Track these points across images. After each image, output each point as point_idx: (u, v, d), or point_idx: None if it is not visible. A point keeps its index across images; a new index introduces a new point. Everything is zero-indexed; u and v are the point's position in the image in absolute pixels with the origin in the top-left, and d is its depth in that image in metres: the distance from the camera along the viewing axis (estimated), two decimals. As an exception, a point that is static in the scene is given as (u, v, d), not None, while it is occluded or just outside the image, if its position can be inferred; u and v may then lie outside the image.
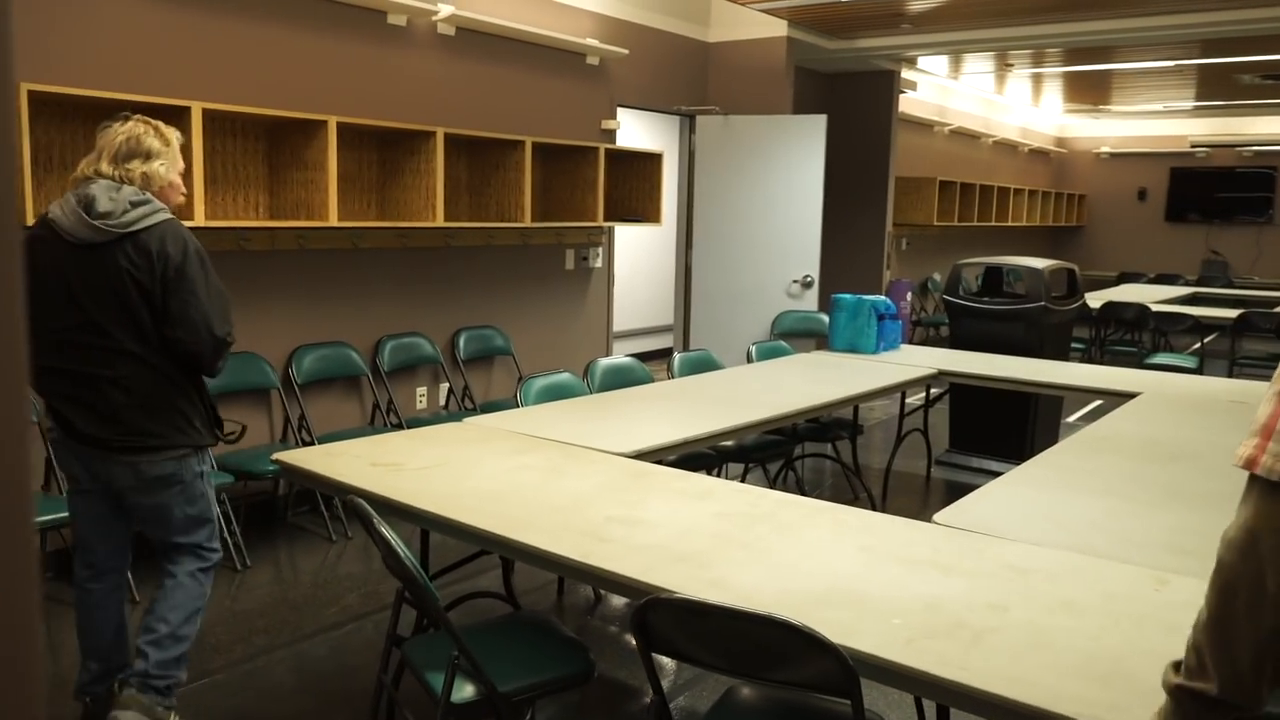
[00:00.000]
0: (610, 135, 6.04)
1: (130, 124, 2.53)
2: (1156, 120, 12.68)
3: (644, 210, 5.92)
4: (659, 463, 3.05)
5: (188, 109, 3.63)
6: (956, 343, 5.66)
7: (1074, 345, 8.23)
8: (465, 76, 5.14)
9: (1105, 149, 13.20)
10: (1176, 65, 8.38)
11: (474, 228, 5.12)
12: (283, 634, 3.33)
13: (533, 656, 2.22)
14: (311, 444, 4.34)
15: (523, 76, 5.46)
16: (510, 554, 2.28)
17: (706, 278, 6.79)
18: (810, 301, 6.58)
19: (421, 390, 5.16)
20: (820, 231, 6.51)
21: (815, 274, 6.57)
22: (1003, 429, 5.54)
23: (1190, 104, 11.27)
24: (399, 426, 4.69)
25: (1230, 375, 7.74)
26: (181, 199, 2.67)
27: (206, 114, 3.73)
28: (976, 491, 2.56)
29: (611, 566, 1.99)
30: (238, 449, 4.17)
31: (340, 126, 4.18)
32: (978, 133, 10.86)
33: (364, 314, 4.81)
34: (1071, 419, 6.87)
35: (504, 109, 5.36)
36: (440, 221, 4.56)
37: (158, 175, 2.53)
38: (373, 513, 2.08)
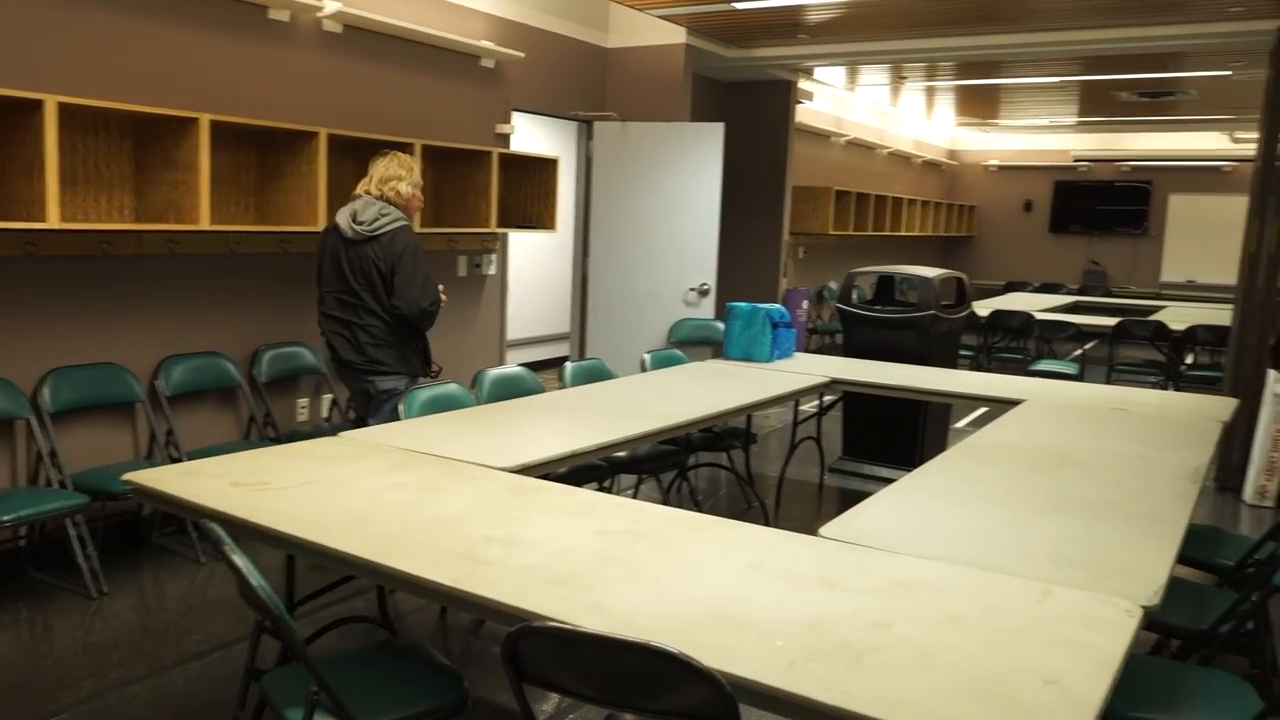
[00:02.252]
0: (505, 140, 5.92)
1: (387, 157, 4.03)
2: (1042, 135, 13.12)
3: (539, 216, 5.80)
4: (546, 477, 2.95)
5: (40, 102, 3.39)
6: (850, 350, 5.70)
7: (963, 353, 8.42)
8: (352, 76, 4.96)
9: (994, 162, 13.61)
10: (1060, 81, 8.66)
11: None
12: (139, 666, 3.11)
13: (401, 687, 2.09)
14: (180, 460, 4.11)
15: (413, 78, 5.30)
16: (378, 579, 2.15)
17: (604, 285, 6.71)
18: (707, 309, 6.56)
19: (303, 402, 4.94)
20: (717, 239, 6.50)
21: (712, 282, 6.55)
22: (893, 436, 5.60)
23: (1073, 119, 11.68)
24: (277, 440, 4.47)
25: (1109, 381, 8.02)
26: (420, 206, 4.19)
27: (63, 109, 3.49)
28: (864, 503, 2.52)
29: (485, 591, 1.88)
30: (94, 467, 3.92)
31: (215, 125, 3.96)
32: (873, 144, 11.05)
33: (241, 322, 4.58)
34: (960, 424, 7.00)
35: (393, 111, 5.19)
36: (323, 226, 4.37)
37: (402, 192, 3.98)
38: (224, 536, 1.92)
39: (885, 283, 5.97)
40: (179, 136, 3.91)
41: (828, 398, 5.33)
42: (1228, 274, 11.35)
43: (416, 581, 1.97)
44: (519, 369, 4.22)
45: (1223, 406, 4.14)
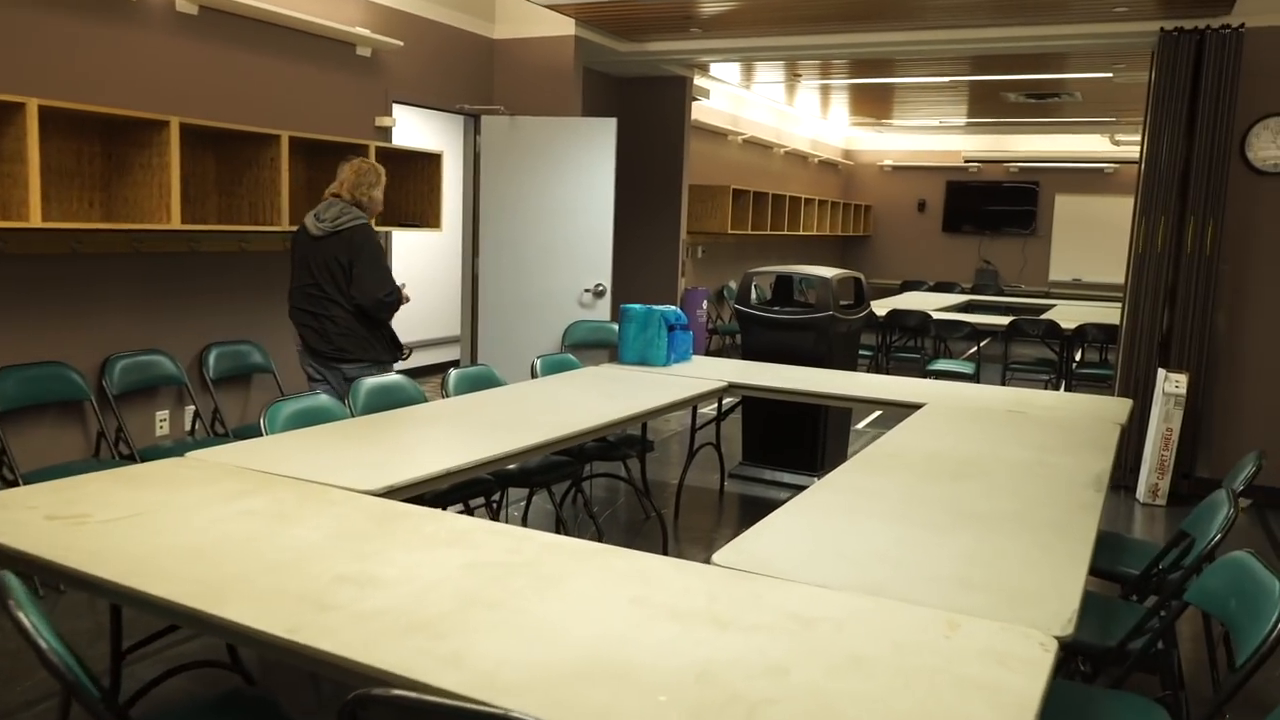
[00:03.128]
0: (385, 133, 5.60)
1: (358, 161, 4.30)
2: (934, 135, 13.30)
3: (423, 215, 5.51)
4: (422, 499, 2.69)
5: None
6: (748, 352, 5.57)
7: (862, 352, 8.41)
8: (210, 62, 4.59)
9: (888, 162, 13.75)
10: (951, 81, 8.73)
11: (223, 231, 4.57)
12: (-47, 722, 2.75)
13: (236, 755, 1.82)
14: (15, 484, 3.70)
15: (281, 65, 4.94)
16: (204, 630, 1.87)
17: (494, 286, 6.44)
18: (603, 311, 6.35)
19: (162, 415, 4.55)
20: (612, 238, 6.30)
21: (608, 283, 6.34)
22: (794, 440, 5.48)
23: (963, 120, 11.85)
24: (131, 459, 4.09)
25: (1003, 378, 8.09)
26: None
27: None
28: (760, 524, 2.34)
29: (325, 644, 1.62)
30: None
31: (46, 111, 3.57)
32: (770, 143, 11.00)
33: (87, 329, 4.18)
34: (861, 425, 6.95)
35: (258, 100, 4.83)
36: (177, 224, 4.01)
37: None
38: (14, 585, 1.62)
39: (784, 283, 5.85)
40: (4, 124, 3.51)
41: (727, 401, 5.17)
42: (1112, 273, 11.68)
43: (245, 633, 1.70)
44: (398, 377, 3.94)
45: (1118, 408, 4.12)
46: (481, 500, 3.95)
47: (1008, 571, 2.10)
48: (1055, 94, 9.04)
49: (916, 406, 4.04)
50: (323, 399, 3.52)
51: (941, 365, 7.80)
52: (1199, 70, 5.35)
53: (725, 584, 1.96)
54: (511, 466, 3.97)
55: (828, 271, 5.46)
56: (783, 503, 2.52)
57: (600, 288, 6.34)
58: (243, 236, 4.76)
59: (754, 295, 5.79)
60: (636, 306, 4.98)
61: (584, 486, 4.73)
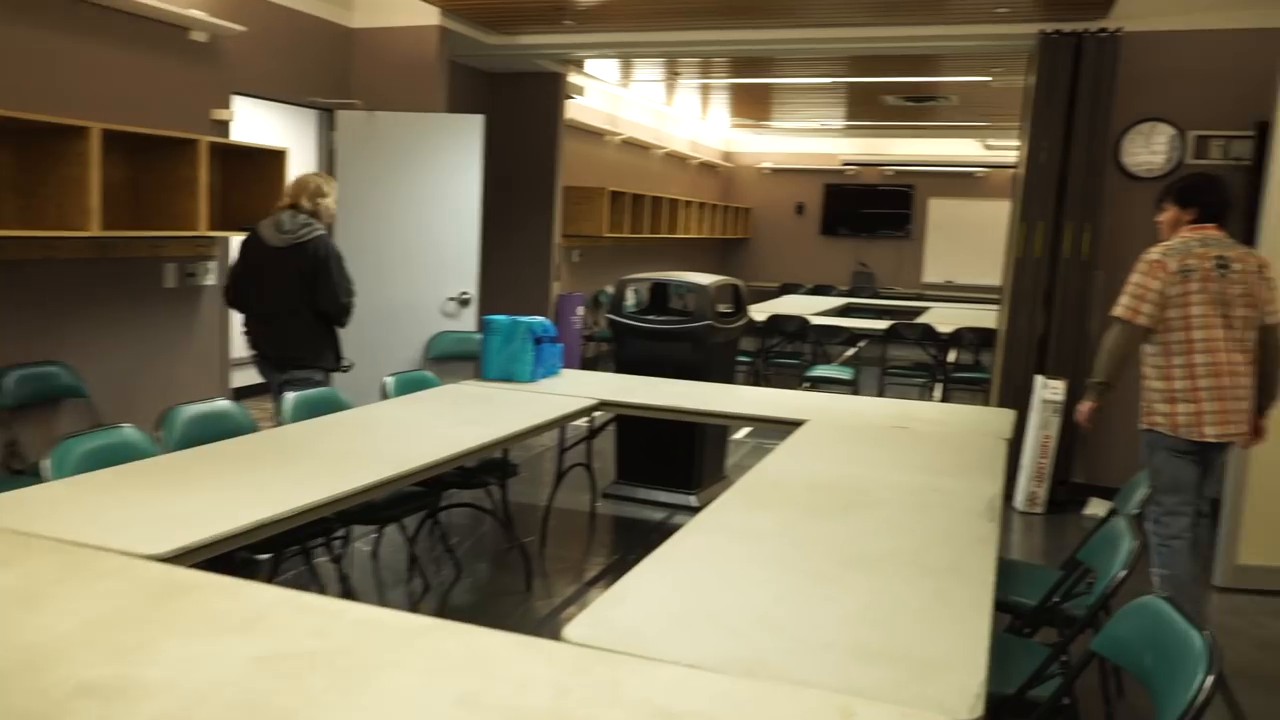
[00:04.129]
0: (223, 127, 5.07)
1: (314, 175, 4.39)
2: (812, 138, 13.29)
3: (264, 217, 5.00)
4: (225, 559, 2.28)
5: None
6: (623, 363, 5.26)
7: (741, 358, 8.21)
8: (10, 44, 4.01)
9: (768, 164, 13.69)
10: (830, 83, 8.62)
11: (22, 237, 4.00)
12: None
13: None
14: None
15: (99, 49, 4.39)
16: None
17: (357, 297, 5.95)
18: (468, 321, 5.95)
19: (-48, 446, 3.97)
20: (479, 243, 5.90)
21: (474, 290, 5.94)
22: (670, 456, 5.19)
23: (841, 123, 11.85)
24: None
25: (882, 383, 8.02)
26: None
27: None
28: (622, 583, 2.01)
29: (39, 797, 1.22)
30: None
31: None
32: (649, 144, 10.75)
33: None
34: (739, 435, 6.73)
35: (66, 88, 4.27)
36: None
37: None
38: None
39: (660, 290, 5.57)
40: None
41: (600, 415, 4.84)
42: (983, 275, 11.87)
43: (-68, 786, 1.28)
44: (225, 404, 3.48)
45: (1001, 420, 3.96)
46: (321, 542, 3.52)
47: (906, 633, 1.83)
48: (933, 98, 9.04)
49: (797, 423, 3.80)
50: (128, 432, 3.05)
51: (821, 371, 7.66)
52: (1077, 74, 5.30)
53: (577, 669, 1.63)
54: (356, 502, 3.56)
55: (705, 278, 5.19)
56: (658, 524, 2.24)
57: (465, 296, 5.94)
58: (49, 243, 4.19)
59: (630, 302, 5.49)
60: (501, 318, 4.62)
61: (441, 517, 4.32)
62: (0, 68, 3.99)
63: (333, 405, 3.84)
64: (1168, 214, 3.70)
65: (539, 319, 4.67)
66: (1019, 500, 5.47)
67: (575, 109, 8.86)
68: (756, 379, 8.56)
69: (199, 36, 4.92)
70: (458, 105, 6.74)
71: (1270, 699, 3.32)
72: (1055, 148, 5.37)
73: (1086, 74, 5.26)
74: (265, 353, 4.30)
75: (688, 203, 11.35)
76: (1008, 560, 3.36)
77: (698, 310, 5.06)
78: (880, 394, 7.85)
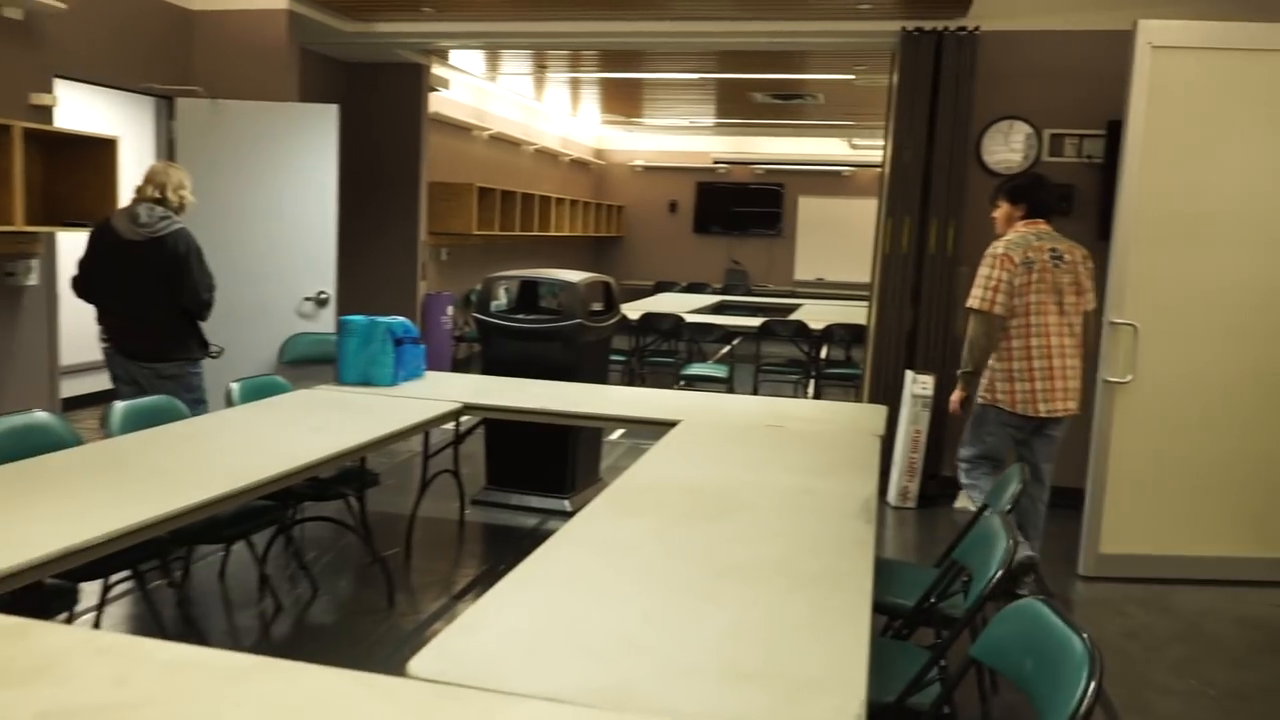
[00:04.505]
0: (44, 113, 4.63)
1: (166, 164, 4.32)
2: (684, 136, 13.29)
3: (94, 212, 4.60)
4: (36, 586, 2.01)
5: None
6: (491, 364, 5.06)
7: (615, 358, 8.09)
8: None
9: (640, 162, 13.62)
10: (699, 79, 8.59)
11: None
12: None
13: None
14: None
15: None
16: None
17: (198, 295, 5.56)
18: (327, 322, 5.63)
19: None
20: (335, 240, 5.59)
21: (331, 289, 5.63)
22: (542, 460, 5.01)
23: (712, 120, 11.87)
24: None
25: (757, 380, 8.02)
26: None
27: None
28: (476, 608, 1.83)
29: None
30: None
31: None
32: (519, 140, 10.52)
33: None
34: (614, 436, 6.60)
35: None
36: None
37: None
38: None
39: (529, 288, 5.38)
40: None
41: (468, 420, 4.63)
42: (852, 272, 12.08)
43: None
44: (43, 416, 3.14)
45: (874, 416, 3.94)
46: (157, 565, 3.21)
47: (782, 649, 1.71)
48: (799, 95, 9.11)
49: (671, 424, 3.69)
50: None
51: (696, 369, 7.61)
52: (938, 72, 5.36)
53: (423, 710, 1.44)
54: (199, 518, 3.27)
55: (575, 275, 5.03)
56: (530, 530, 2.06)
57: (323, 296, 5.62)
58: None
59: (499, 301, 5.29)
60: (357, 318, 4.35)
61: (295, 533, 4.04)
62: None
63: (169, 415, 3.52)
64: (1001, 210, 4.13)
65: (399, 319, 4.43)
66: (892, 496, 5.51)
67: (441, 103, 8.59)
68: (631, 378, 8.46)
69: (12, 13, 4.48)
70: (314, 96, 6.40)
71: (1136, 689, 3.37)
72: (919, 145, 5.43)
73: (947, 72, 5.32)
74: (124, 348, 4.16)
75: (559, 200, 11.17)
76: (883, 559, 3.32)
77: (567, 309, 4.90)
78: (755, 391, 7.85)
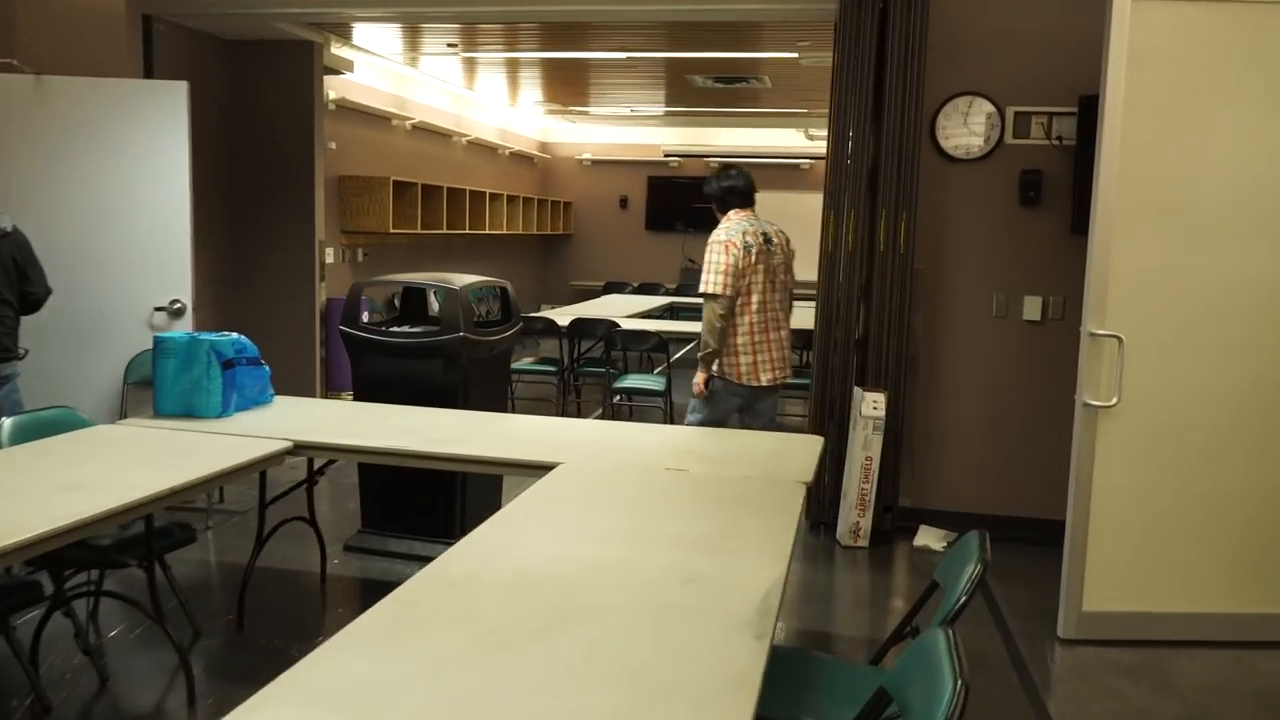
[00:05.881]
0: None
1: None
2: (633, 128, 12.53)
3: None
4: None
5: None
6: (361, 386, 4.28)
7: (546, 369, 7.33)
8: None
9: (587, 156, 12.83)
10: (639, 58, 7.80)
11: None
12: None
13: None
14: None
15: None
16: None
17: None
18: (185, 330, 4.80)
19: None
20: (190, 239, 4.78)
21: (187, 297, 4.82)
22: (426, 497, 4.24)
23: (659, 109, 11.10)
24: None
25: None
26: None
27: None
28: None
29: None
30: None
31: None
32: (449, 131, 9.72)
33: None
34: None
35: None
36: None
37: None
38: None
39: (415, 296, 4.60)
40: None
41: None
42: (811, 271, 11.38)
43: None
44: None
45: (805, 454, 3.19)
46: None
47: None
48: (743, 78, 8.37)
49: (549, 467, 2.93)
50: None
51: (631, 382, 6.86)
52: (883, 42, 4.63)
53: None
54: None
55: (458, 279, 4.26)
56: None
57: (178, 305, 4.81)
58: None
59: (378, 313, 4.51)
60: (175, 335, 3.57)
61: (77, 609, 3.21)
62: None
63: (65, 425, 2.75)
64: (717, 210, 4.58)
65: (233, 335, 3.64)
66: (841, 533, 4.77)
67: (353, 89, 7.79)
68: (565, 392, 7.69)
69: None
70: (185, 77, 5.60)
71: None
72: (864, 127, 4.70)
73: (895, 44, 4.59)
74: None
75: (495, 196, 10.37)
76: (799, 651, 2.58)
77: (448, 319, 4.12)
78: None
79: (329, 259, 7.65)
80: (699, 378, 4.29)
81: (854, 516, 4.68)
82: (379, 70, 8.25)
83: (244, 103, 6.31)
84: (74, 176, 4.67)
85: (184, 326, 4.84)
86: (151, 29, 5.45)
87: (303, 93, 6.36)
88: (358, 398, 4.24)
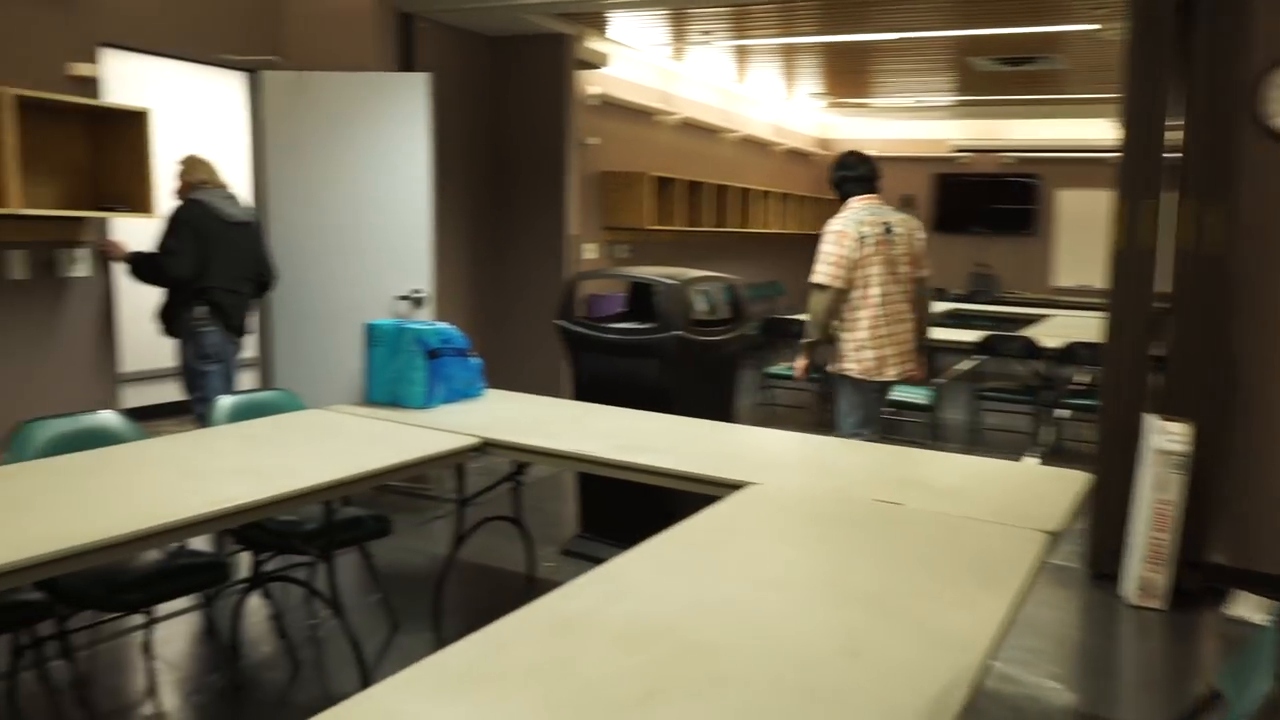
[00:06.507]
0: (86, 86, 4.11)
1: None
2: (919, 121, 11.72)
3: (132, 195, 4.05)
4: None
5: None
6: (581, 385, 4.07)
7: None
8: None
9: (870, 152, 12.12)
10: (927, 37, 7.13)
11: None
12: None
13: None
14: None
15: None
16: None
17: (290, 294, 4.97)
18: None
19: None
20: (430, 229, 4.80)
21: (428, 286, 4.85)
22: (640, 504, 3.94)
23: (945, 99, 10.25)
24: None
25: (974, 408, 6.55)
26: None
27: None
28: None
29: None
30: None
31: None
32: (717, 127, 9.48)
33: None
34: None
35: None
36: None
37: None
38: None
39: (643, 291, 4.34)
40: None
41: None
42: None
43: None
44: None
45: (1058, 493, 2.57)
46: (27, 637, 2.48)
47: None
48: (1032, 58, 7.44)
49: (737, 487, 2.55)
50: None
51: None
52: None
53: None
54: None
55: (680, 274, 3.94)
56: None
57: (419, 294, 4.86)
58: None
59: (577, 307, 4.29)
60: (385, 322, 3.50)
61: (269, 589, 3.21)
62: None
63: (104, 438, 2.82)
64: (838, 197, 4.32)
65: (440, 325, 3.54)
66: (1128, 590, 3.96)
67: (617, 85, 7.71)
68: (818, 402, 7.21)
69: (60, -26, 4.00)
70: (441, 72, 5.72)
71: None
72: (1164, 101, 3.87)
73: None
74: (232, 325, 4.33)
75: (766, 193, 10.01)
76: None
77: (665, 316, 3.80)
78: (973, 422, 6.45)
79: (589, 254, 7.64)
80: (799, 363, 4.26)
81: (1143, 570, 3.87)
82: (643, 66, 8.14)
83: (500, 98, 6.37)
84: (327, 167, 4.82)
85: (424, 316, 4.88)
86: (412, 27, 5.60)
87: (555, 86, 6.32)
88: (577, 396, 4.04)
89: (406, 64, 5.41)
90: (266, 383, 5.08)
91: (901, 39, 7.12)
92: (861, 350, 4.06)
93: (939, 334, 6.81)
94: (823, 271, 4.04)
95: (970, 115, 11.20)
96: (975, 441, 6.61)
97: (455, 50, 6.04)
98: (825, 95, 10.50)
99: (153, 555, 2.69)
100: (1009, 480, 2.74)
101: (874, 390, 4.17)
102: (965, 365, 7.54)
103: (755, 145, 10.45)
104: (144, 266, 4.16)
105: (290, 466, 2.56)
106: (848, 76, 9.34)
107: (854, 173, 4.28)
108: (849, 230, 4.04)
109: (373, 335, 3.48)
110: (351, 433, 3.03)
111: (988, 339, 6.50)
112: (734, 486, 2.57)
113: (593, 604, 1.73)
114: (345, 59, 4.85)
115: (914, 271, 4.24)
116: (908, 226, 4.23)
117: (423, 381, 3.40)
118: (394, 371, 3.43)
